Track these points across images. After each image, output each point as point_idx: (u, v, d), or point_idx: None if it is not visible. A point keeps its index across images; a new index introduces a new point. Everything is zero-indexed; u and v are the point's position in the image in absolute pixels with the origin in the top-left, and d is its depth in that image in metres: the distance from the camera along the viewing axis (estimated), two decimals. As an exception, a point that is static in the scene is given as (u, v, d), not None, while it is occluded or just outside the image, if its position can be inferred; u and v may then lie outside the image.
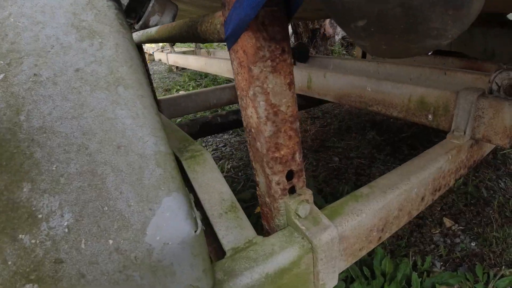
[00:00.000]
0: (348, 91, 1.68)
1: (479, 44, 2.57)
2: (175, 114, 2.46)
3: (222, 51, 4.91)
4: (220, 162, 2.60)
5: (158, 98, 2.33)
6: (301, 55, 2.67)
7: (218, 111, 3.51)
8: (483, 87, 1.18)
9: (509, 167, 2.21)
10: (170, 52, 5.28)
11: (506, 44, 2.43)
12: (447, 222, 1.68)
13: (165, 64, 6.14)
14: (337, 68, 2.44)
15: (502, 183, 2.01)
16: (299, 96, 2.19)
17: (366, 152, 2.57)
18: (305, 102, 2.41)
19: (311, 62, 2.69)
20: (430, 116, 1.31)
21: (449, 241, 1.56)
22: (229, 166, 2.49)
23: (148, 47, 7.73)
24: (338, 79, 1.73)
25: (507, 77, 1.13)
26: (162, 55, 5.52)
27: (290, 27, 7.03)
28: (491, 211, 1.74)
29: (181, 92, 4.15)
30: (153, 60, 7.14)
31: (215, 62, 3.20)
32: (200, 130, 2.06)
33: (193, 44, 6.08)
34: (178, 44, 7.31)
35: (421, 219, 1.72)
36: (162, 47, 6.40)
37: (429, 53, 3.16)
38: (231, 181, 2.22)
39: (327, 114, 3.53)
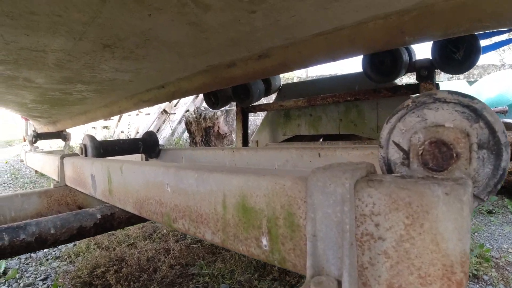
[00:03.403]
0: (146, 194, 0.90)
1: (371, 121, 2.08)
2: None
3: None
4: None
5: None
6: (149, 148, 1.92)
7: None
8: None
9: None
10: (30, 151, 3.89)
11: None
12: None
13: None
14: (189, 162, 1.71)
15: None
16: (107, 207, 1.37)
17: (243, 279, 1.75)
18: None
19: (162, 156, 1.94)
20: (264, 242, 0.56)
21: None
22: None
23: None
24: (134, 174, 0.96)
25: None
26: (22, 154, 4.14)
27: (184, 124, 6.58)
28: None
29: None
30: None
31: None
32: None
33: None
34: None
35: None
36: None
37: (321, 139, 2.66)
38: None
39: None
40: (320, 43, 1.02)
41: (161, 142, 6.89)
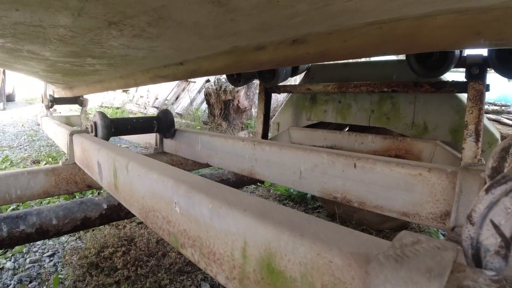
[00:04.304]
0: (152, 205, 0.77)
1: (406, 116, 1.89)
2: None
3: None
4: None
5: None
6: (164, 128, 1.78)
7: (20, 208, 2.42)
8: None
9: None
10: (46, 116, 3.81)
11: (443, 114, 1.74)
12: None
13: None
14: (205, 149, 1.57)
15: None
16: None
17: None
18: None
19: (178, 137, 1.81)
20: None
21: None
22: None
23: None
24: (140, 177, 0.83)
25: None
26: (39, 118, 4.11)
27: (203, 94, 6.41)
28: None
29: None
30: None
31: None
32: None
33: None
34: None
35: None
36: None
37: (346, 129, 2.47)
38: None
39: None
40: (371, 33, 0.84)
41: (179, 111, 6.77)
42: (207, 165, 1.74)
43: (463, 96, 1.72)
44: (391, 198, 0.96)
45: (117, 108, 9.12)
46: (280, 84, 2.23)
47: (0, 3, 0.70)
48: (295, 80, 4.55)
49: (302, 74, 2.42)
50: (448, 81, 1.62)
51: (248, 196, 0.56)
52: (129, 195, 0.92)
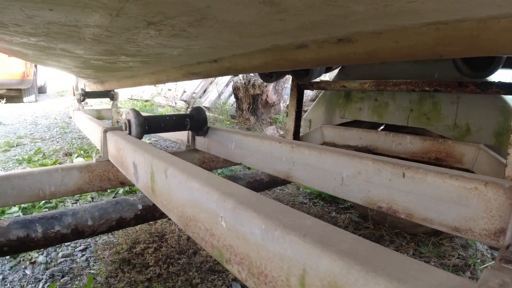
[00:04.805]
0: (193, 214, 0.74)
1: (447, 116, 1.80)
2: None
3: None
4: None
5: None
6: (197, 126, 1.76)
7: (55, 206, 2.47)
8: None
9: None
10: (78, 109, 3.97)
11: (487, 116, 1.64)
12: None
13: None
14: (239, 148, 1.54)
15: None
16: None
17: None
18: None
19: (210, 135, 1.78)
20: None
21: None
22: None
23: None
24: (180, 185, 0.79)
25: None
26: (70, 111, 4.25)
27: (230, 88, 6.38)
28: None
29: None
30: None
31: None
32: None
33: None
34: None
35: None
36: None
37: (380, 128, 2.38)
38: None
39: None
40: (427, 34, 0.77)
41: (206, 104, 6.78)
42: (238, 164, 1.71)
43: (508, 98, 1.62)
44: (442, 211, 0.90)
45: (146, 101, 9.25)
46: (313, 80, 2.17)
47: (32, 3, 0.68)
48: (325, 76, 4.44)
49: (336, 71, 2.35)
50: (494, 82, 1.52)
51: (304, 217, 0.52)
52: (167, 201, 0.89)
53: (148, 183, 1.02)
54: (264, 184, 1.67)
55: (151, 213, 1.27)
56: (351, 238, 0.45)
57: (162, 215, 1.31)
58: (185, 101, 7.86)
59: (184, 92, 8.29)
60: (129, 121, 1.55)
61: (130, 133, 1.54)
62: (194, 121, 1.73)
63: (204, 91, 7.85)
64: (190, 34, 0.91)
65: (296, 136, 2.29)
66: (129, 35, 0.97)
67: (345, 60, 1.02)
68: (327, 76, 4.50)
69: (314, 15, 0.69)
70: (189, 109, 7.44)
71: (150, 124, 1.59)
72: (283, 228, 0.47)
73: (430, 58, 0.91)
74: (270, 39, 1.01)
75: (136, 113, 1.56)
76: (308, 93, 4.72)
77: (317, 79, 2.23)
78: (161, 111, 7.74)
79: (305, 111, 2.58)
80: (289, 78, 3.98)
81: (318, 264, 0.42)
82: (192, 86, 8.11)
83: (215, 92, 7.03)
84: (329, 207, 2.66)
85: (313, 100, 4.36)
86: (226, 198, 0.60)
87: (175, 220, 0.86)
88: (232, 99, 5.77)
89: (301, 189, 3.02)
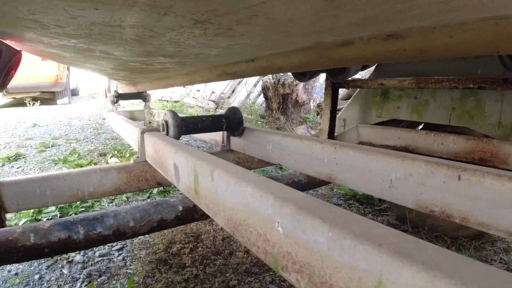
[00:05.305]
0: (244, 218, 0.72)
1: (491, 115, 1.71)
2: (25, 205, 1.44)
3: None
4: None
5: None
6: (233, 126, 1.75)
7: (91, 205, 2.50)
8: None
9: None
10: (111, 111, 3.96)
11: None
12: None
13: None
14: (277, 149, 1.51)
15: None
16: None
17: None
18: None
19: (246, 135, 1.77)
20: None
21: None
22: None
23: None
24: (229, 187, 0.78)
25: None
26: (104, 113, 4.32)
27: (259, 87, 6.36)
28: None
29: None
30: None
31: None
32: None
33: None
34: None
35: None
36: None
37: (419, 127, 2.30)
38: None
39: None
40: (484, 29, 0.72)
41: (235, 104, 6.80)
42: (275, 164, 1.69)
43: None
44: (499, 216, 0.84)
45: (176, 102, 9.38)
46: (348, 78, 2.12)
47: (78, 2, 0.67)
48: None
49: (372, 68, 2.29)
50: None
51: (374, 225, 0.49)
52: (213, 203, 0.88)
53: (191, 184, 1.02)
54: (302, 185, 1.64)
55: (191, 214, 1.26)
56: (430, 248, 0.42)
57: (202, 217, 1.30)
58: (213, 101, 7.91)
59: (213, 92, 8.34)
60: (166, 122, 1.56)
61: (167, 134, 1.55)
62: (230, 121, 1.73)
63: (233, 91, 7.88)
64: (235, 32, 0.89)
65: (331, 136, 2.24)
66: (172, 35, 0.96)
67: (392, 57, 0.97)
68: (358, 75, 4.40)
69: (371, 11, 0.66)
70: (217, 109, 7.48)
71: (186, 125, 1.59)
72: (353, 236, 0.45)
73: (485, 54, 0.85)
74: (314, 37, 0.98)
75: (174, 114, 1.56)
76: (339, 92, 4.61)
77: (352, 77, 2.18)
78: (190, 111, 7.83)
79: (339, 110, 2.53)
80: (318, 76, 3.92)
81: (397, 276, 0.39)
82: (220, 86, 8.16)
83: (244, 92, 7.04)
84: (365, 209, 2.59)
85: (345, 99, 4.27)
86: (284, 203, 0.58)
87: (221, 223, 0.84)
88: (261, 99, 5.75)
89: (335, 190, 2.96)
